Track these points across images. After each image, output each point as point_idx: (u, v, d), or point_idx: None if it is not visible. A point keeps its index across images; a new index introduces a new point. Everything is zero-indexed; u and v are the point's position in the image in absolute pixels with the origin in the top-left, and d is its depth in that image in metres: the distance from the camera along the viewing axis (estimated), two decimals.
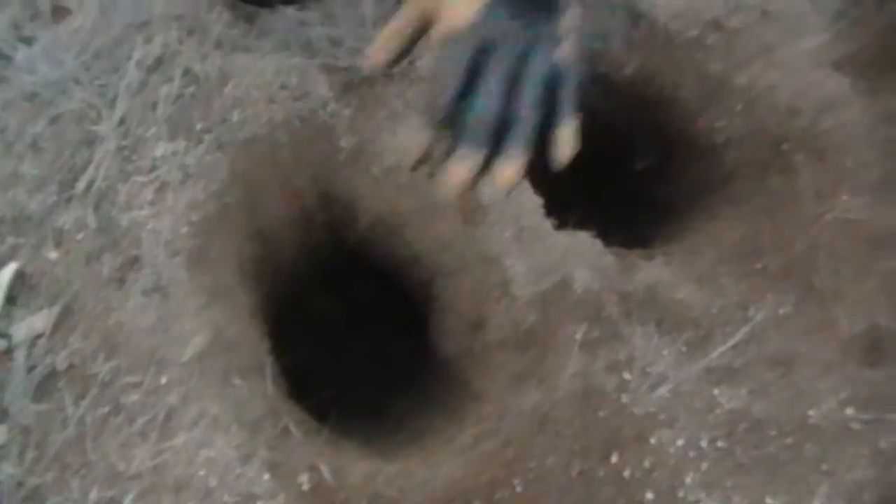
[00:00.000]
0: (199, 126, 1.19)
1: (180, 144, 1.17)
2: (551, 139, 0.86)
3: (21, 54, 1.23)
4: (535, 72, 0.86)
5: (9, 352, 1.11)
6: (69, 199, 1.16)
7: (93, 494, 1.04)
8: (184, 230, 1.14)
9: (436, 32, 0.89)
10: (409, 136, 0.95)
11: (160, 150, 1.17)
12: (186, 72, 1.21)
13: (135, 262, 1.13)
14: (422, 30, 0.92)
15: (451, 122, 0.86)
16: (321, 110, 1.21)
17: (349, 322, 1.50)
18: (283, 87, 1.21)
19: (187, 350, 1.09)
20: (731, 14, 1.38)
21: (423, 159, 0.88)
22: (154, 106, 1.19)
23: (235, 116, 1.19)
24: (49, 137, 1.19)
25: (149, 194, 1.15)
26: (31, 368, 1.10)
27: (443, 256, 1.20)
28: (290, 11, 1.25)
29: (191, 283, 1.12)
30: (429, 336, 1.26)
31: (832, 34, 1.41)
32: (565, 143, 0.87)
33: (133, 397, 1.08)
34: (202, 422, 1.07)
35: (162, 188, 1.16)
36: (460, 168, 0.85)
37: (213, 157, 1.18)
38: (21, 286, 1.13)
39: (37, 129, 1.19)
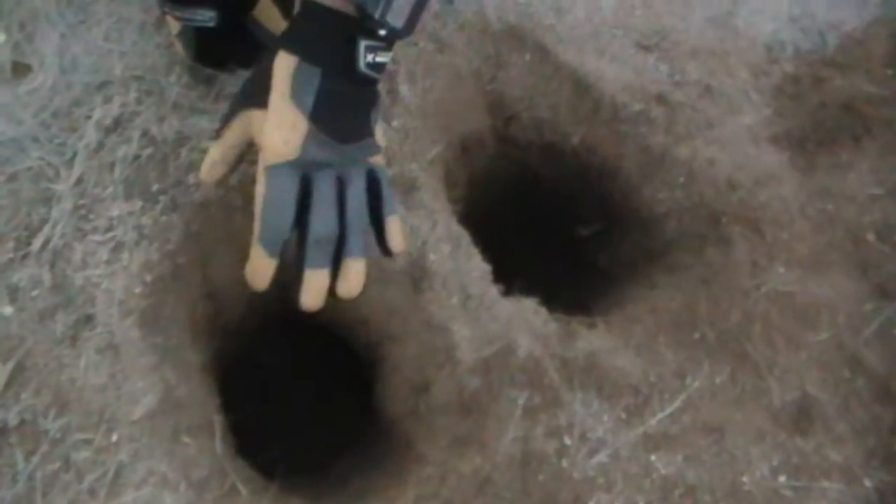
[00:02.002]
0: (155, 187, 1.21)
1: (136, 205, 1.20)
2: (385, 234, 0.99)
3: None
4: (357, 185, 0.96)
5: None
6: (25, 257, 1.18)
7: None
8: (138, 290, 1.16)
9: (260, 164, 0.97)
10: (254, 266, 1.01)
11: (116, 210, 1.19)
12: (144, 133, 1.23)
13: (88, 320, 1.15)
14: (245, 150, 1.04)
15: (289, 247, 0.98)
16: None
17: (296, 380, 1.53)
18: None
19: (138, 408, 1.11)
20: (676, 89, 1.43)
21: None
22: (111, 166, 1.21)
23: (191, 179, 1.22)
24: (6, 195, 1.21)
25: (104, 254, 1.17)
26: None
27: (390, 321, 1.23)
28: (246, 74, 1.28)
29: (143, 342, 1.14)
30: (374, 397, 1.28)
31: (772, 110, 1.46)
32: (396, 233, 1.00)
33: (83, 454, 1.09)
34: (151, 480, 1.09)
35: (117, 248, 1.18)
36: (316, 287, 0.97)
37: (168, 218, 1.20)
38: None
39: None
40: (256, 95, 0.99)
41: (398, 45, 1.29)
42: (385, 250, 1.01)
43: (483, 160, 1.44)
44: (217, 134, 1.04)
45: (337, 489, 1.27)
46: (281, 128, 0.94)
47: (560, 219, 1.52)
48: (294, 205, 0.94)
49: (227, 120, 1.03)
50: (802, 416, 1.24)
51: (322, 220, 0.95)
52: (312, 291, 0.97)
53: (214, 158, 1.05)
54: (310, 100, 0.95)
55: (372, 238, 1.00)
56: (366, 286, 1.18)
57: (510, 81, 1.41)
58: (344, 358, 1.39)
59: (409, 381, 1.22)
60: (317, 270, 0.96)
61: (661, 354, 1.24)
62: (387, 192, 1.00)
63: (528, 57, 1.41)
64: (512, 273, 1.28)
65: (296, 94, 0.95)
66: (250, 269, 1.01)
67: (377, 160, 1.01)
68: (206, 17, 1.20)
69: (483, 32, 1.40)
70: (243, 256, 1.20)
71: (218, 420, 1.17)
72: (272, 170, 0.95)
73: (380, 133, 1.03)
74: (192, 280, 1.21)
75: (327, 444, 1.39)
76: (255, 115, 0.99)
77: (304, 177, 0.95)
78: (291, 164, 0.94)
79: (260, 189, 0.97)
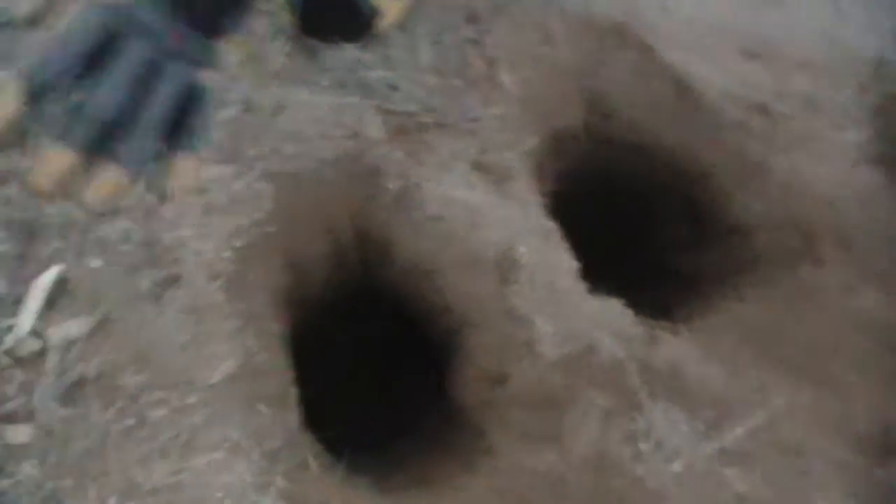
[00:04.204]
0: (250, 153, 1.21)
1: (230, 169, 1.19)
2: (169, 164, 0.75)
3: None
4: (173, 84, 0.74)
5: (42, 353, 1.13)
6: (117, 212, 1.18)
7: (111, 503, 1.06)
8: (226, 254, 1.16)
9: None
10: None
11: (211, 172, 1.19)
12: (244, 98, 1.23)
13: (174, 280, 1.15)
14: None
15: (60, 103, 0.71)
16: (371, 151, 1.23)
17: (365, 357, 1.52)
18: (337, 124, 1.23)
19: (216, 373, 1.11)
20: (778, 99, 1.40)
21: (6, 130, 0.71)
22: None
23: (287, 148, 1.21)
24: None
25: (195, 216, 1.17)
26: (62, 373, 1.11)
27: (473, 309, 1.22)
28: (351, 50, 1.27)
29: (226, 307, 1.14)
30: (446, 382, 1.27)
31: (873, 129, 1.43)
32: (186, 172, 0.76)
33: (159, 413, 1.09)
34: (224, 445, 1.08)
35: (208, 210, 1.17)
36: (53, 168, 0.71)
37: (260, 185, 1.20)
38: (62, 291, 1.15)
39: None
40: None
41: (502, 32, 1.29)
42: (158, 185, 0.75)
43: (575, 155, 1.43)
44: None
45: (403, 471, 1.26)
46: None
47: (648, 219, 1.50)
48: (85, 56, 0.71)
49: None
50: (882, 446, 1.21)
51: (108, 96, 0.71)
52: (46, 171, 0.71)
53: None
54: None
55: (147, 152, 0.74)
56: (450, 272, 1.18)
57: (611, 78, 1.39)
58: (411, 339, 1.38)
59: (487, 370, 1.20)
60: (64, 150, 0.71)
61: (744, 369, 1.22)
62: (201, 119, 0.76)
63: (630, 55, 1.39)
64: (597, 271, 1.26)
65: None
66: None
67: (210, 76, 0.78)
68: None
69: (588, 28, 1.38)
70: (329, 229, 1.20)
71: (293, 392, 1.16)
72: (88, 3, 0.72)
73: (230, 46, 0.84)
74: (277, 249, 1.21)
75: (392, 423, 1.38)
76: None
77: (115, 32, 0.72)
78: (110, 8, 0.72)
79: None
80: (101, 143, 0.71)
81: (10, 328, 1.14)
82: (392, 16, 1.28)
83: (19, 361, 1.13)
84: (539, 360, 1.17)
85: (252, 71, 1.25)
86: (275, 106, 1.22)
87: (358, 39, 1.27)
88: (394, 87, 1.26)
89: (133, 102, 0.71)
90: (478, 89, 1.28)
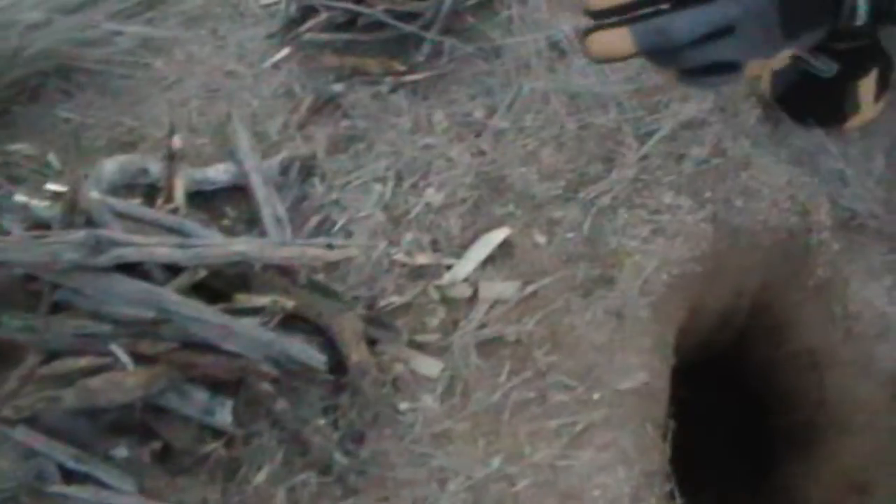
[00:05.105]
0: (706, 194, 1.25)
1: (686, 202, 1.24)
2: None
3: (581, 60, 1.32)
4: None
5: (469, 301, 1.19)
6: (571, 199, 1.24)
7: (495, 462, 1.11)
8: (664, 276, 1.20)
9: None
10: None
11: (669, 198, 1.24)
12: (717, 143, 1.28)
13: (608, 282, 1.20)
14: None
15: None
16: (812, 233, 1.26)
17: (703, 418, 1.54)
18: (790, 197, 1.26)
19: (626, 381, 1.15)
20: None
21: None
22: (680, 158, 1.26)
23: (738, 202, 1.26)
24: (572, 138, 1.28)
25: (644, 231, 1.22)
26: (483, 326, 1.18)
27: (855, 413, 1.24)
28: (817, 134, 1.31)
29: (648, 324, 1.18)
30: (793, 474, 1.29)
31: None
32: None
33: (561, 397, 1.14)
34: (611, 449, 1.12)
35: (657, 231, 1.22)
36: (616, 37, 0.76)
37: (705, 227, 1.24)
38: (504, 253, 1.21)
39: (567, 125, 1.28)
40: None
41: None
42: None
43: None
44: None
45: None
46: None
47: None
48: None
49: None
50: None
51: (688, 23, 0.76)
52: (602, 39, 0.77)
53: None
54: None
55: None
56: (843, 371, 1.20)
57: None
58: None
59: (849, 476, 1.22)
60: (627, 35, 0.76)
61: None
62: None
63: None
64: None
65: None
66: None
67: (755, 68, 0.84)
68: (828, 67, 1.22)
69: None
70: (736, 289, 1.23)
71: (671, 424, 1.19)
72: None
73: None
74: (694, 289, 1.25)
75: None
76: None
77: None
78: None
79: None
80: (657, 53, 0.76)
81: (449, 268, 1.21)
82: (865, 118, 1.31)
83: (446, 301, 1.20)
84: None
85: (722, 119, 1.30)
86: (741, 160, 1.27)
87: (828, 127, 1.31)
88: (844, 183, 1.29)
89: (697, 42, 0.75)
90: None
